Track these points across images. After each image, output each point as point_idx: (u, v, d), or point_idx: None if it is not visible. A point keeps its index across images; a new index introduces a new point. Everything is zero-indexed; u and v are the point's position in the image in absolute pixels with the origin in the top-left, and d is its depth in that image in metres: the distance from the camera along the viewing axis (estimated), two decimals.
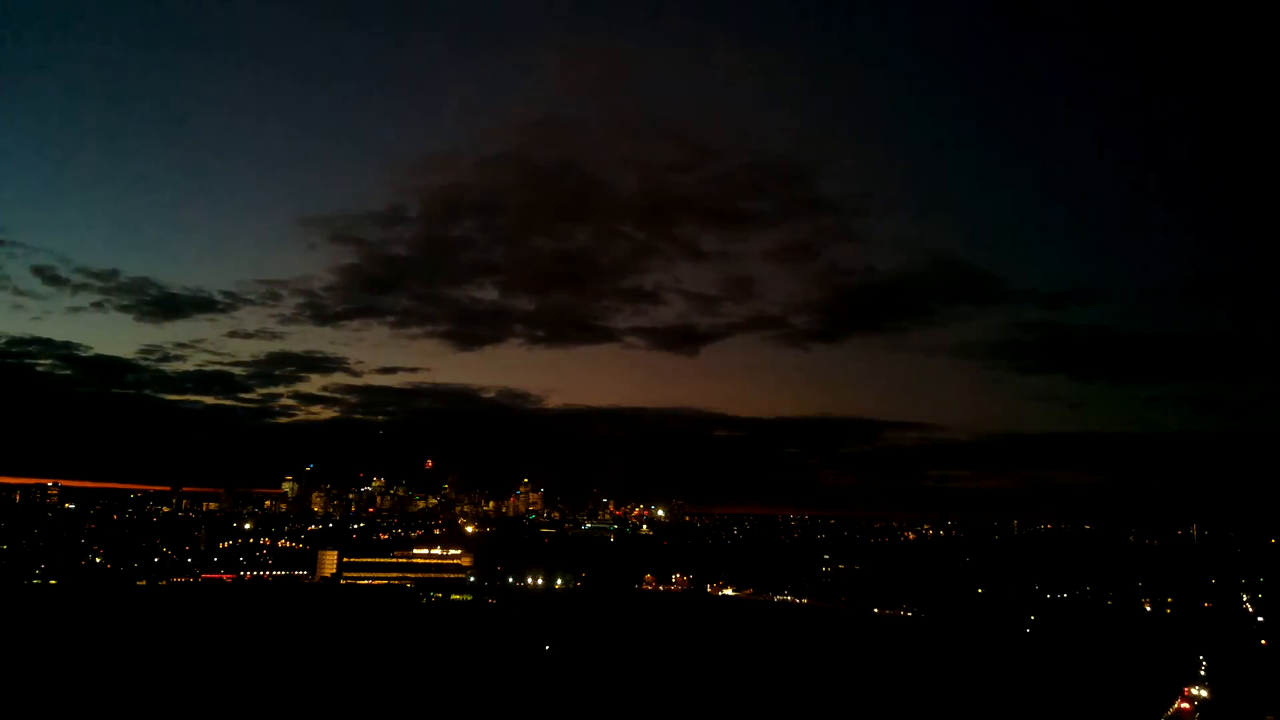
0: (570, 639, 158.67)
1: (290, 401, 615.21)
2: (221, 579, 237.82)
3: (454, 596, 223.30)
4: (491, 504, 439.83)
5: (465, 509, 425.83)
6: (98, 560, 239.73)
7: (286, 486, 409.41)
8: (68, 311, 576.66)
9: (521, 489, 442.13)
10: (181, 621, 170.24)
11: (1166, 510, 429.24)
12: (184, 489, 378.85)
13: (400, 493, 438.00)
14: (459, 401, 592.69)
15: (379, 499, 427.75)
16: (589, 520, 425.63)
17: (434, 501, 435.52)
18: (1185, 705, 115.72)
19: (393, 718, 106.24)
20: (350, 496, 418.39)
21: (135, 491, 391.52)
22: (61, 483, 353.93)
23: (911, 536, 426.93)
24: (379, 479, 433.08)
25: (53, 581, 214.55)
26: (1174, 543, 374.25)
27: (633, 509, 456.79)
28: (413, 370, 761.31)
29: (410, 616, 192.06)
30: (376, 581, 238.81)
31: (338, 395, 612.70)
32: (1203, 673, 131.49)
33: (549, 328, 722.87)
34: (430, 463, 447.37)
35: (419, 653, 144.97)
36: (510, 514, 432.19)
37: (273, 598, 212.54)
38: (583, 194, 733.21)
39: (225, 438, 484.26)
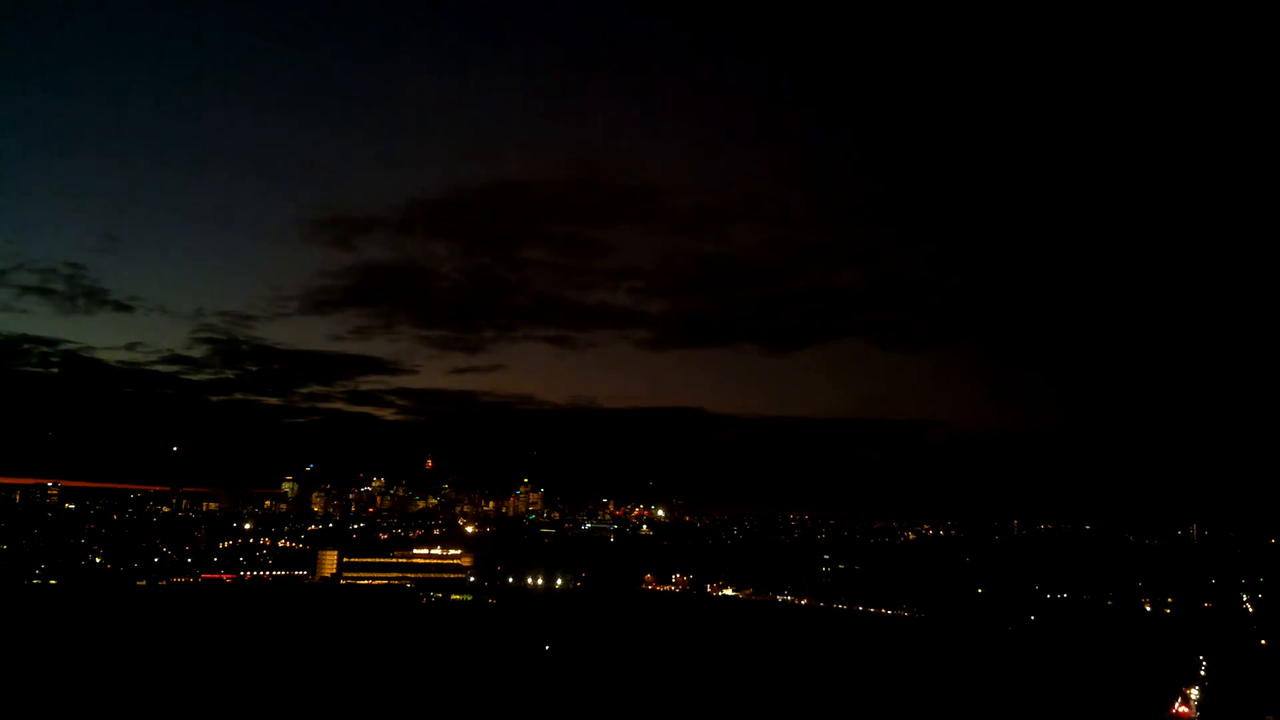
0: (570, 639, 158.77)
1: (337, 404, 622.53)
2: (221, 579, 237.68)
3: (454, 596, 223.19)
4: (491, 504, 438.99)
5: (465, 509, 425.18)
6: (98, 560, 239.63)
7: (286, 486, 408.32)
8: (164, 315, 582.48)
9: (521, 489, 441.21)
10: (181, 621, 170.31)
11: (1166, 510, 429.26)
12: (184, 489, 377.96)
13: (400, 493, 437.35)
14: (497, 405, 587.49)
15: (379, 499, 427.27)
16: (589, 520, 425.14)
17: (434, 501, 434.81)
18: (1184, 708, 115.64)
19: (393, 718, 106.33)
20: (350, 496, 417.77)
21: (135, 491, 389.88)
22: (61, 483, 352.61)
23: (911, 536, 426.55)
24: (379, 479, 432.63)
25: (53, 581, 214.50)
26: (1174, 543, 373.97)
27: (633, 509, 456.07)
28: (486, 372, 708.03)
29: (410, 616, 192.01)
30: (376, 581, 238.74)
31: (389, 396, 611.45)
32: (1202, 673, 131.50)
33: (666, 332, 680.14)
34: (430, 463, 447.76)
35: (419, 653, 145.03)
36: (510, 514, 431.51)
37: (273, 598, 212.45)
38: (770, 198, 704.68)
39: (227, 437, 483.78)
